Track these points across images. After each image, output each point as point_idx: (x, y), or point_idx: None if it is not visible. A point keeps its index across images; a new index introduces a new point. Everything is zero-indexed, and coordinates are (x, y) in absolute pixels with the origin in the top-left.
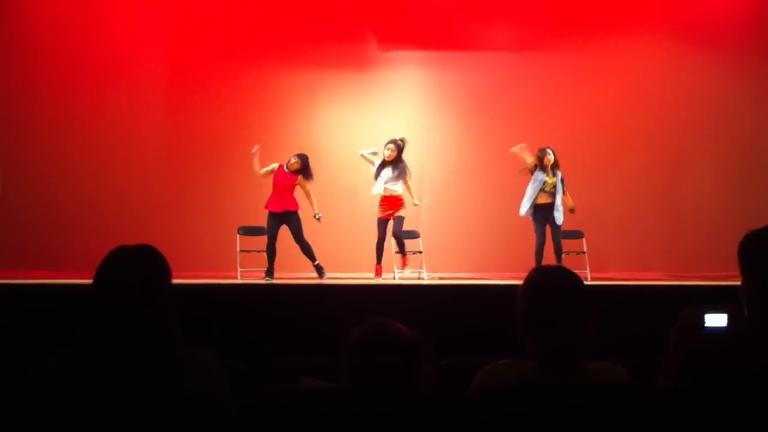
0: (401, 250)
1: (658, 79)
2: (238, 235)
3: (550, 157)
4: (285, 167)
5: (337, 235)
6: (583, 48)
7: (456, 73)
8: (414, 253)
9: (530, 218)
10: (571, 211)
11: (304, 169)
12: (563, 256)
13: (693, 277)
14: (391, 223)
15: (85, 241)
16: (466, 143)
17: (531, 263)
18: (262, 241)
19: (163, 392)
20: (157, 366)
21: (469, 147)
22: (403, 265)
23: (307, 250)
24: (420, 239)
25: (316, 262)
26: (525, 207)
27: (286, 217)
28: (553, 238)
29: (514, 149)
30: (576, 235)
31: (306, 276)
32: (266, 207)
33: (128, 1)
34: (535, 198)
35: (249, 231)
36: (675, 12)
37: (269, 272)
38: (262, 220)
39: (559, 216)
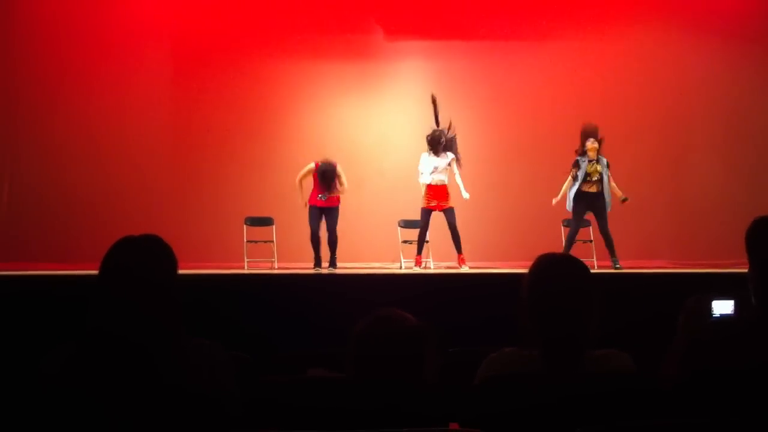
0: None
1: (666, 69)
2: (244, 226)
3: (594, 144)
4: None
5: (342, 226)
6: (591, 38)
7: (462, 64)
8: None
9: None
10: (623, 201)
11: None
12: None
13: (700, 265)
14: (438, 215)
15: (91, 232)
16: (472, 134)
17: (537, 252)
18: (269, 231)
19: (168, 382)
20: (163, 355)
21: (476, 137)
22: (460, 262)
23: (335, 245)
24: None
25: (335, 257)
26: (569, 201)
27: (329, 210)
28: (601, 231)
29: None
30: (583, 223)
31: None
32: (309, 202)
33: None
34: (580, 188)
35: (255, 221)
36: (684, 1)
37: (317, 262)
38: (268, 211)
39: (607, 203)
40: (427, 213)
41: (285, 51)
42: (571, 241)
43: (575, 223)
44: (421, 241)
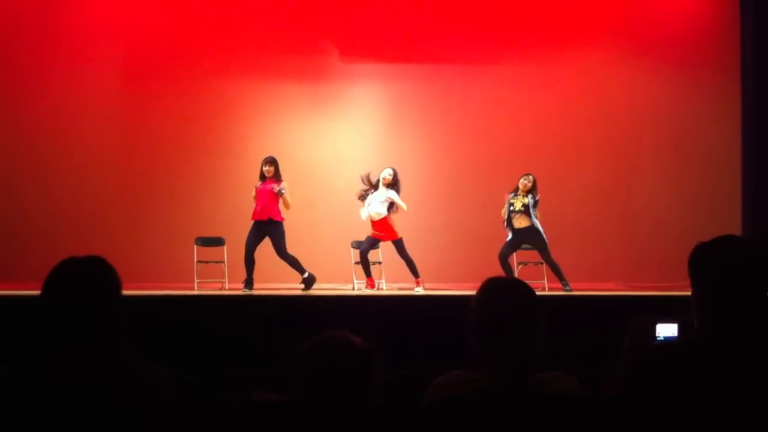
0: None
1: (615, 93)
2: (195, 246)
3: (527, 183)
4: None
5: (294, 246)
6: (545, 62)
7: (417, 87)
8: (374, 263)
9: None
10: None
11: (276, 172)
12: (521, 267)
13: (648, 287)
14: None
15: (36, 250)
16: (426, 156)
17: (491, 274)
18: (220, 251)
19: (109, 405)
20: (105, 379)
21: (429, 160)
22: (416, 284)
23: (293, 263)
24: (380, 249)
25: (305, 275)
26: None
27: (267, 226)
28: (545, 262)
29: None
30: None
31: (263, 287)
32: (252, 217)
33: (84, 5)
34: (511, 220)
35: (206, 242)
36: (634, 28)
37: (248, 283)
38: (219, 231)
39: (543, 238)
40: (370, 238)
41: (240, 69)
42: (504, 264)
43: (507, 250)
44: (364, 261)
